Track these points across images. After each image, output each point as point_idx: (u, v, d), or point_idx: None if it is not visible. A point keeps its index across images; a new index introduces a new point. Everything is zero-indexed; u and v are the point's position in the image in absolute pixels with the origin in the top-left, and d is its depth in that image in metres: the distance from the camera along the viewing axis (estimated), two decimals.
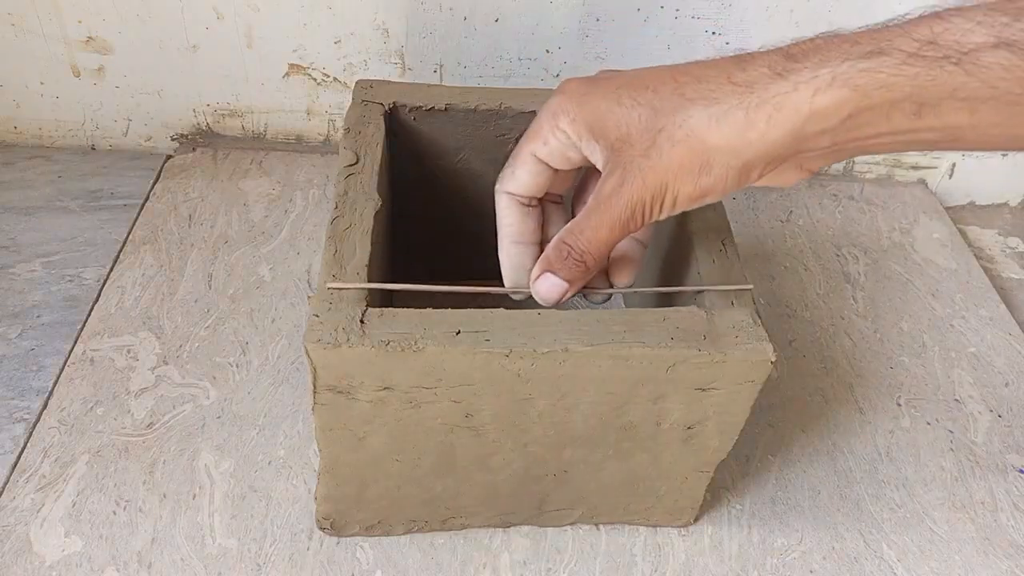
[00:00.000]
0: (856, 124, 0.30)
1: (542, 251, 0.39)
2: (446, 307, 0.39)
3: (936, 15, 0.29)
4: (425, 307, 0.39)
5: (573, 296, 0.38)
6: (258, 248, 0.68)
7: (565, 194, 0.43)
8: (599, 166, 0.36)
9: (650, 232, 0.42)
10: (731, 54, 0.33)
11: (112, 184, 0.73)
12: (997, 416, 0.60)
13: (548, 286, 0.37)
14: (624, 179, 0.33)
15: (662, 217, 0.35)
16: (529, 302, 0.41)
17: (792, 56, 0.31)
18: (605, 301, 0.43)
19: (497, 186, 0.40)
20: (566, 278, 0.37)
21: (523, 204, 0.39)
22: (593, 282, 0.40)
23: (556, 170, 0.38)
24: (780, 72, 0.31)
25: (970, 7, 0.29)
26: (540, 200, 0.41)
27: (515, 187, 0.39)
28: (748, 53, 0.32)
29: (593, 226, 0.35)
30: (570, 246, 0.36)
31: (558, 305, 0.39)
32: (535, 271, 0.38)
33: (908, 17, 0.30)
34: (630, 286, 0.42)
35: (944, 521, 0.53)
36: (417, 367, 0.38)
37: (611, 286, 0.42)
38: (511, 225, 0.40)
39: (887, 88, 0.29)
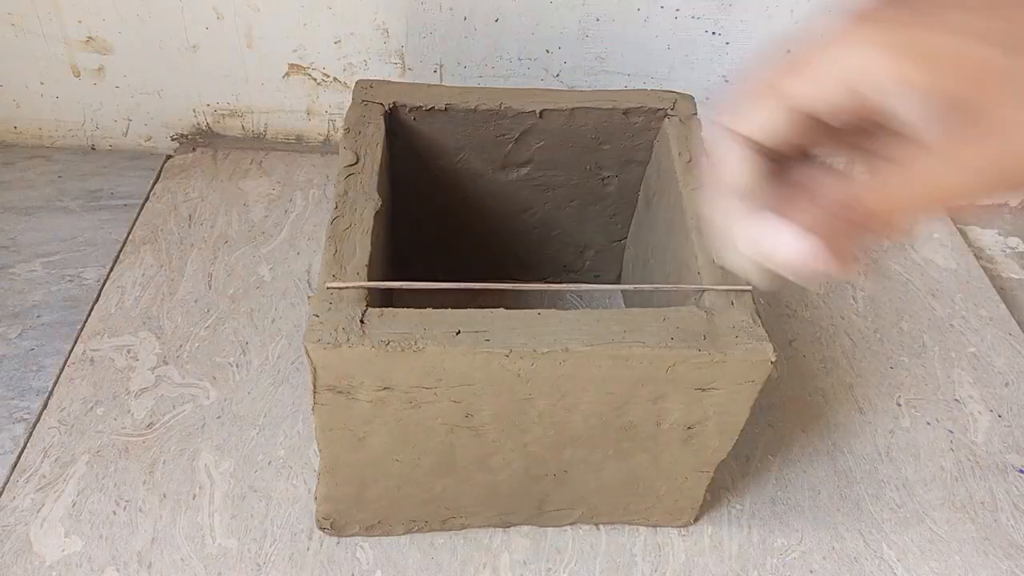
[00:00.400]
0: None
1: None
2: (446, 307, 0.39)
3: None
4: (425, 307, 0.39)
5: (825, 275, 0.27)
6: (258, 248, 0.68)
7: (817, 150, 0.30)
8: (916, 121, 0.25)
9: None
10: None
11: (112, 184, 0.73)
12: (997, 416, 0.60)
13: (798, 245, 0.26)
14: (980, 137, 0.23)
15: (1010, 201, 0.26)
16: (531, 301, 0.41)
17: None
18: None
19: (722, 120, 0.28)
20: (836, 254, 0.26)
21: (757, 152, 0.28)
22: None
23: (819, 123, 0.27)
24: None
25: None
26: (782, 154, 0.29)
27: (757, 129, 0.27)
28: None
29: (908, 195, 0.25)
30: (861, 209, 0.26)
31: (813, 284, 0.29)
32: (788, 226, 0.27)
33: None
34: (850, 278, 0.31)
35: (944, 521, 0.53)
36: (417, 367, 0.38)
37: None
38: (739, 174, 0.28)
39: None
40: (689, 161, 0.50)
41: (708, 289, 0.42)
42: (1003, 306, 0.70)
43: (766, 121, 0.27)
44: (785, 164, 0.29)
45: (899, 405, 0.60)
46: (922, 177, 0.24)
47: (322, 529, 0.49)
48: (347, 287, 0.39)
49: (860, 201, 0.26)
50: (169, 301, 0.62)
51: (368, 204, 0.44)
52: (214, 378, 0.57)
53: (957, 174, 0.24)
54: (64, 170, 0.74)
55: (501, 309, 0.39)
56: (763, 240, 0.27)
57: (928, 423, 0.59)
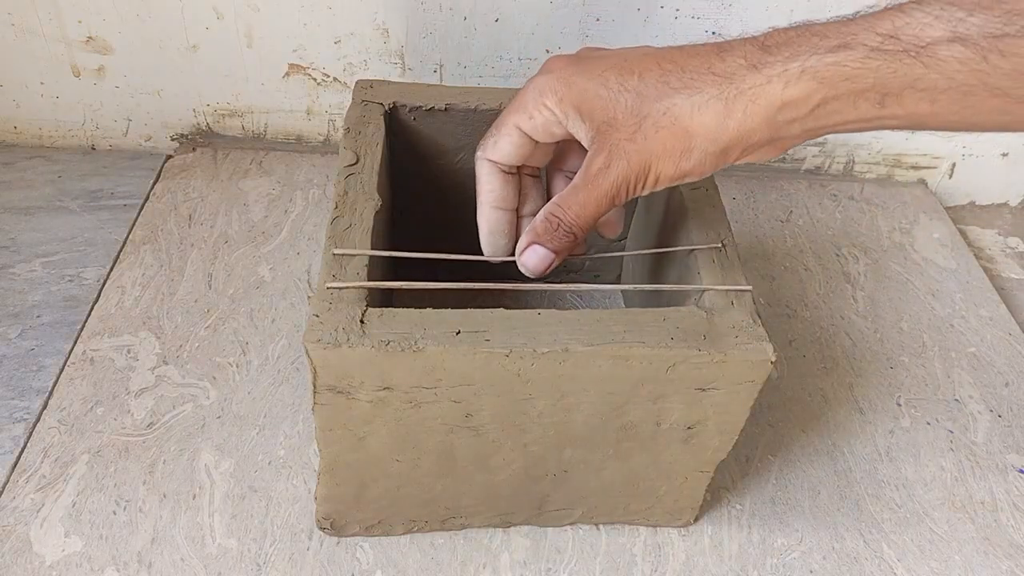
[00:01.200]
0: (825, 112, 0.33)
1: (517, 218, 0.43)
2: (446, 307, 0.39)
3: (899, 8, 0.32)
4: (425, 307, 0.39)
5: (555, 265, 0.40)
6: (258, 248, 0.68)
7: (542, 167, 0.44)
8: (584, 143, 0.38)
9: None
10: (712, 41, 0.36)
11: (112, 184, 0.73)
12: (997, 416, 0.60)
13: (537, 258, 0.40)
14: (611, 160, 0.36)
15: (644, 193, 0.37)
16: (531, 300, 0.41)
17: (767, 48, 0.33)
18: (585, 257, 0.45)
19: (478, 152, 0.41)
20: (554, 249, 0.39)
21: (503, 171, 0.41)
22: (576, 248, 0.43)
23: (537, 143, 0.40)
24: (755, 64, 0.33)
25: (929, 0, 0.31)
26: (519, 169, 0.42)
27: (497, 156, 0.40)
28: (728, 41, 0.35)
29: (581, 202, 0.37)
30: (559, 219, 0.38)
31: (542, 275, 0.41)
32: (522, 242, 0.40)
33: (873, 9, 0.32)
34: (621, 238, 0.45)
35: (944, 521, 0.53)
36: (417, 367, 0.38)
37: (587, 249, 0.45)
38: (492, 191, 0.41)
39: (851, 80, 0.31)
40: None
41: (708, 289, 0.42)
42: (1003, 306, 0.70)
43: (498, 152, 0.40)
44: (526, 180, 0.43)
45: (899, 405, 0.60)
46: (588, 188, 0.37)
47: (322, 529, 0.49)
48: (347, 287, 0.39)
49: (558, 213, 0.38)
50: (169, 301, 0.62)
51: (368, 204, 0.44)
52: (214, 378, 0.57)
53: (606, 184, 0.36)
54: (64, 170, 0.74)
55: (501, 309, 0.39)
56: (519, 255, 0.41)
57: (928, 423, 0.59)
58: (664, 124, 0.34)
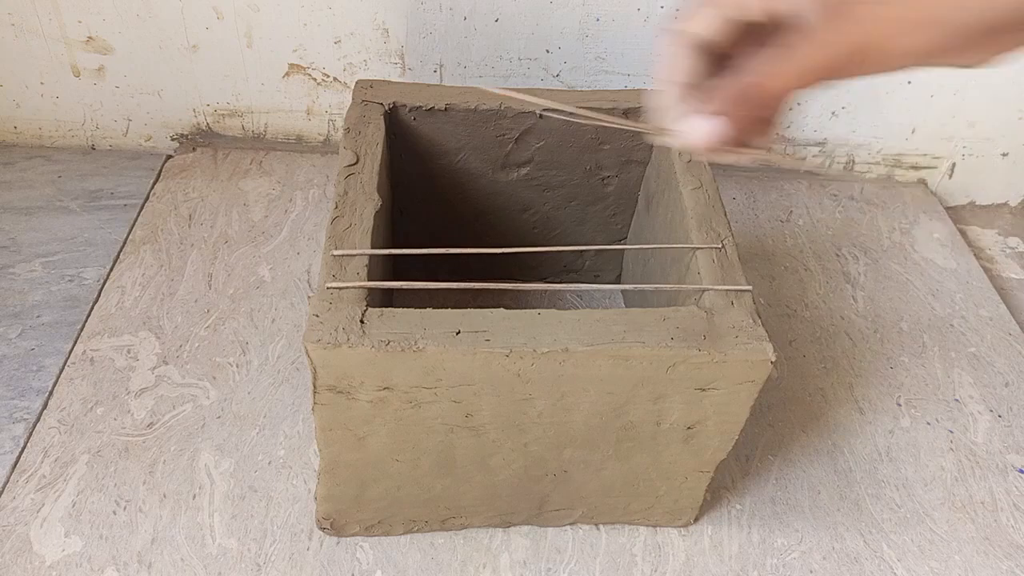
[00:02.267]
0: None
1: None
2: (446, 307, 0.39)
3: None
4: (425, 307, 0.39)
5: (721, 151, 0.34)
6: (258, 248, 0.68)
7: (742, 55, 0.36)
8: (805, 9, 0.31)
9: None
10: None
11: (112, 184, 0.73)
12: (997, 416, 0.60)
13: (710, 128, 0.33)
14: (834, 23, 0.30)
15: (858, 76, 0.31)
16: (531, 300, 0.41)
17: None
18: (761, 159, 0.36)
19: (672, 26, 0.34)
20: (736, 123, 0.32)
21: (698, 47, 0.34)
22: (752, 137, 0.35)
23: (746, 26, 0.33)
24: None
25: None
26: (717, 52, 0.35)
27: (703, 27, 0.34)
28: None
29: (781, 71, 0.31)
30: (752, 86, 0.31)
31: (698, 151, 0.34)
32: (695, 108, 0.33)
33: None
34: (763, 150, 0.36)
35: (944, 521, 0.53)
36: (417, 367, 0.38)
37: (770, 144, 0.36)
38: (680, 63, 0.34)
39: None
40: (689, 161, 0.50)
41: (708, 289, 0.42)
42: (1003, 306, 0.70)
43: (706, 25, 0.34)
44: (718, 67, 0.35)
45: (899, 405, 0.60)
46: (799, 56, 0.31)
47: (322, 529, 0.49)
48: (347, 287, 0.39)
49: (756, 82, 0.32)
50: (169, 301, 0.62)
51: (368, 204, 0.44)
52: (214, 378, 0.57)
53: (825, 52, 0.30)
54: (64, 170, 0.74)
55: (501, 309, 0.39)
56: (686, 123, 0.34)
57: (928, 423, 0.59)
58: None
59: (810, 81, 0.31)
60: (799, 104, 0.77)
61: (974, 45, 0.30)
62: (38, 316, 0.60)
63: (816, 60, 0.30)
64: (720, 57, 0.35)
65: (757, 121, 0.33)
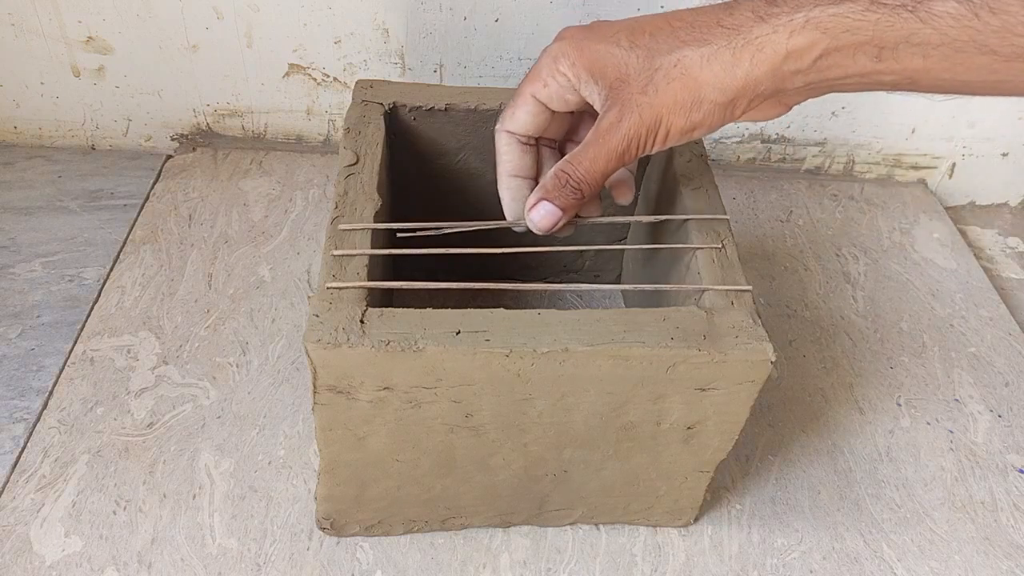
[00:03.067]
0: (826, 65, 0.34)
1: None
2: (446, 307, 0.39)
3: None
4: (425, 307, 0.39)
5: (565, 225, 0.41)
6: (258, 248, 0.68)
7: (558, 139, 0.45)
8: (597, 106, 0.38)
9: (635, 163, 0.45)
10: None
11: (112, 184, 0.73)
12: (997, 416, 0.60)
13: (544, 213, 0.40)
14: (622, 114, 0.36)
15: (654, 151, 0.37)
16: (531, 301, 0.42)
17: (773, 1, 0.35)
18: (594, 220, 0.45)
19: (497, 126, 0.42)
20: (561, 206, 0.39)
21: (521, 142, 0.42)
22: (585, 209, 0.43)
23: (553, 112, 0.41)
24: (762, 16, 0.34)
25: None
26: (536, 140, 0.43)
27: (514, 126, 0.41)
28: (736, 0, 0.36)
29: (591, 157, 0.37)
30: (568, 175, 0.38)
31: (550, 232, 0.41)
32: (531, 199, 0.40)
33: None
34: (629, 203, 0.46)
35: (944, 521, 0.53)
36: (417, 367, 0.38)
37: (601, 212, 0.45)
38: (510, 161, 0.42)
39: (851, 32, 0.33)
40: (689, 161, 0.50)
41: (708, 289, 0.42)
42: (1003, 306, 0.70)
43: (518, 123, 0.41)
44: (544, 151, 0.44)
45: (899, 405, 0.60)
46: (601, 142, 0.37)
47: (322, 529, 0.49)
48: (347, 287, 0.39)
49: (566, 171, 0.38)
50: (169, 301, 0.62)
51: (368, 204, 0.44)
52: (214, 378, 0.57)
53: (620, 137, 0.36)
54: (64, 170, 0.74)
55: (501, 309, 0.39)
56: (529, 213, 0.40)
57: (928, 423, 0.59)
58: (675, 75, 0.35)
59: (618, 161, 0.38)
60: (799, 104, 0.77)
61: (743, 112, 0.36)
62: (38, 316, 0.60)
63: (615, 144, 0.37)
64: (544, 154, 0.44)
65: (582, 202, 0.39)
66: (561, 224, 0.40)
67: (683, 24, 0.36)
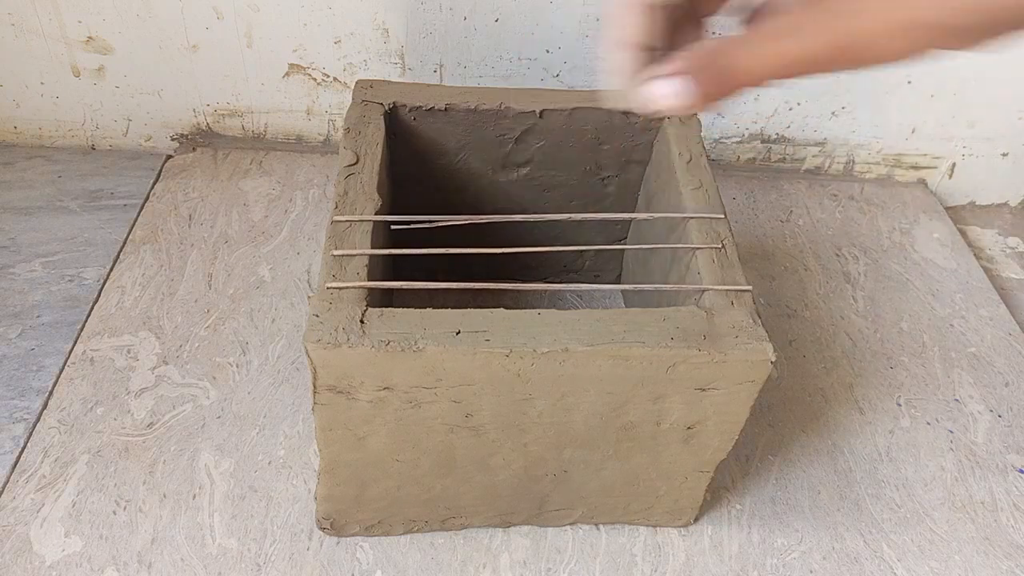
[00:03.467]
0: None
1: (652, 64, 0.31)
2: (446, 307, 0.39)
3: None
4: (425, 307, 0.39)
5: (685, 109, 0.30)
6: (258, 248, 0.68)
7: (708, 16, 0.34)
8: None
9: None
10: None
11: (112, 184, 0.73)
12: (997, 416, 0.60)
13: (676, 91, 0.29)
14: (826, 14, 0.27)
15: (835, 70, 0.28)
16: (531, 301, 0.41)
17: None
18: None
19: None
20: (704, 91, 0.29)
21: (650, 4, 0.31)
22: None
23: None
24: None
25: None
26: (673, 9, 0.32)
27: None
28: None
29: (767, 52, 0.28)
30: (730, 56, 0.28)
31: (660, 115, 0.33)
32: (667, 67, 0.30)
33: None
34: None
35: (944, 521, 0.53)
36: (417, 367, 0.38)
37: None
38: (630, 23, 0.31)
39: None
40: (689, 161, 0.50)
41: (708, 289, 0.42)
42: (1003, 306, 0.70)
43: None
44: (678, 31, 0.32)
45: (899, 405, 0.60)
46: (775, 40, 0.28)
47: (322, 529, 0.49)
48: (347, 287, 0.39)
49: (727, 51, 0.29)
50: (169, 301, 0.62)
51: (368, 204, 0.44)
52: (214, 378, 0.57)
53: (801, 41, 0.27)
54: (64, 170, 0.74)
55: (501, 309, 0.39)
56: (649, 85, 0.30)
57: (928, 423, 0.59)
58: None
59: (792, 72, 0.28)
60: (799, 104, 0.77)
61: (963, 42, 0.26)
62: (38, 316, 0.60)
63: (797, 52, 0.27)
64: (680, 22, 0.32)
65: (728, 96, 0.29)
66: (681, 110, 0.29)
67: None
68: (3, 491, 0.49)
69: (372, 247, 0.42)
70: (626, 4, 0.31)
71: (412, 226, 0.45)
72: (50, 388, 0.55)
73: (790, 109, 0.77)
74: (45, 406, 0.54)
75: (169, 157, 0.76)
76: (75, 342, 0.58)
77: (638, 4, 0.30)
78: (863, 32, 0.26)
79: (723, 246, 0.44)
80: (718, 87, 0.29)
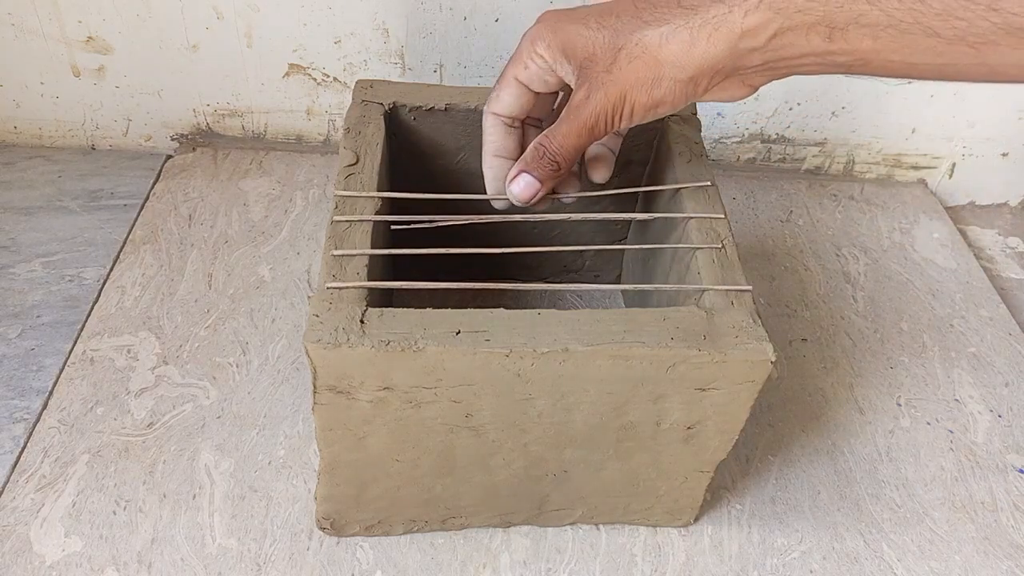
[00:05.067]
0: (781, 44, 0.35)
1: None
2: (446, 307, 0.39)
3: None
4: (425, 307, 0.39)
5: (544, 197, 0.43)
6: (258, 248, 0.68)
7: (544, 118, 0.47)
8: (570, 83, 0.41)
9: (617, 141, 0.47)
10: None
11: (112, 184, 0.73)
12: (997, 416, 0.60)
13: (523, 185, 0.42)
14: (590, 92, 0.38)
15: (622, 127, 0.40)
16: (531, 300, 0.41)
17: None
18: (572, 202, 0.47)
19: (485, 107, 0.44)
20: (539, 177, 0.42)
21: (506, 124, 0.44)
22: (563, 186, 0.46)
23: (536, 93, 0.43)
24: None
25: None
26: (522, 122, 0.45)
27: (499, 108, 0.43)
28: None
29: (564, 132, 0.40)
30: (545, 148, 0.41)
31: (529, 204, 0.43)
32: (512, 172, 0.42)
33: None
34: (606, 182, 0.47)
35: (944, 521, 0.53)
36: (417, 367, 0.38)
37: (581, 188, 0.47)
38: (494, 141, 0.44)
39: (803, 12, 0.34)
40: (689, 161, 0.50)
41: (708, 289, 0.42)
42: (1003, 306, 0.70)
43: (502, 104, 0.43)
44: (529, 131, 0.46)
45: (899, 405, 0.60)
46: (568, 121, 0.40)
47: (322, 529, 0.49)
48: (347, 287, 0.39)
49: (542, 144, 0.41)
50: (169, 301, 0.62)
51: (368, 204, 0.44)
52: (214, 378, 0.57)
53: (590, 112, 0.39)
54: (64, 170, 0.74)
55: (501, 309, 0.39)
56: (511, 186, 0.42)
57: (928, 423, 0.59)
58: (636, 54, 0.37)
59: (589, 136, 0.40)
60: (799, 104, 0.77)
61: (705, 91, 0.38)
62: (38, 316, 0.60)
63: (585, 119, 0.39)
64: (527, 133, 0.45)
65: (559, 174, 0.42)
66: (540, 196, 0.42)
67: (646, 5, 0.38)
68: (3, 491, 0.49)
69: (372, 247, 0.42)
70: (487, 124, 0.44)
71: (412, 226, 0.45)
72: (50, 388, 0.55)
73: (790, 109, 0.77)
74: (45, 406, 0.54)
75: (169, 157, 0.76)
76: (75, 342, 0.58)
77: (491, 121, 0.44)
78: (625, 93, 0.38)
79: (723, 246, 0.44)
80: (549, 170, 0.41)
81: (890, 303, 0.69)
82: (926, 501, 0.54)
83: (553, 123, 0.45)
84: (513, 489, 0.47)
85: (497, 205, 0.46)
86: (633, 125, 0.40)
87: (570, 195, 0.46)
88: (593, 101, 0.38)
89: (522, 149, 0.45)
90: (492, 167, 0.45)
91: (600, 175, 0.47)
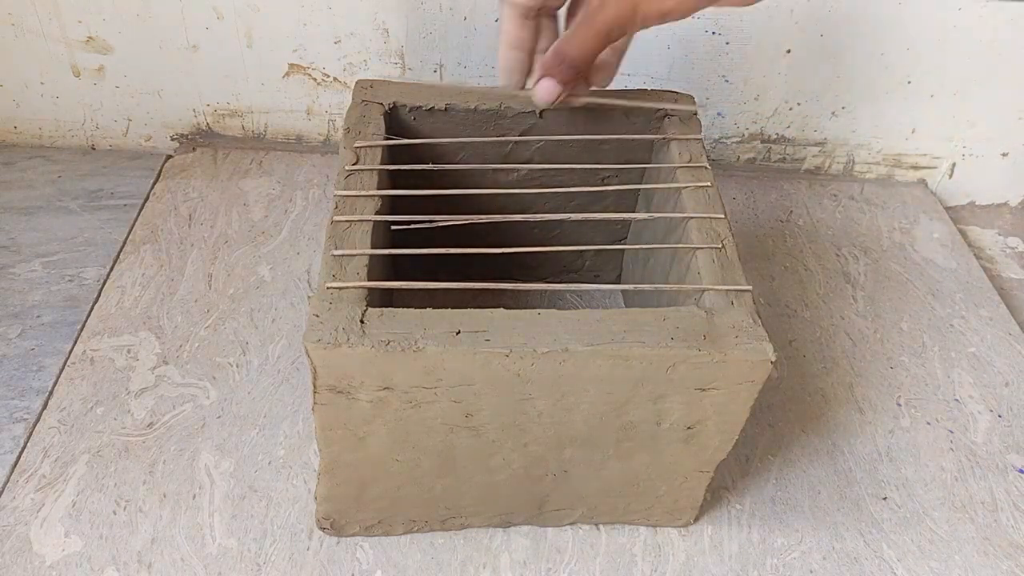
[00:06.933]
0: None
1: (530, 60, 0.47)
2: (446, 307, 0.39)
3: None
4: (425, 307, 0.39)
5: (562, 97, 0.45)
6: (258, 248, 0.68)
7: (558, 9, 0.48)
8: None
9: (627, 41, 0.48)
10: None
11: (112, 184, 0.73)
12: (997, 416, 0.60)
13: (546, 88, 0.44)
14: (605, 1, 0.41)
15: (634, 31, 0.42)
16: (531, 300, 0.41)
17: None
18: (585, 103, 0.49)
19: None
20: (561, 80, 0.44)
21: (522, 15, 0.45)
22: (577, 88, 0.47)
23: None
24: None
25: None
26: (537, 12, 0.46)
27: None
28: None
29: (581, 37, 0.42)
30: (564, 53, 0.43)
31: (551, 105, 0.45)
32: (534, 76, 0.45)
33: None
34: (607, 85, 0.49)
35: (944, 521, 0.53)
36: (417, 367, 0.38)
37: (588, 91, 0.49)
38: (509, 31, 0.45)
39: None
40: (689, 161, 0.50)
41: (708, 289, 0.42)
42: (1003, 306, 0.70)
43: None
44: (543, 22, 0.46)
45: (899, 405, 0.60)
46: (586, 24, 0.42)
47: (322, 529, 0.49)
48: (347, 287, 0.39)
49: (560, 49, 0.43)
50: (169, 301, 0.62)
51: (368, 204, 0.44)
52: (214, 378, 0.57)
53: (607, 15, 0.41)
54: (64, 170, 0.74)
55: (501, 309, 0.39)
56: (534, 85, 0.45)
57: (928, 423, 0.59)
58: None
59: (604, 41, 0.42)
60: (799, 104, 0.77)
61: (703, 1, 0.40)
62: (38, 316, 0.60)
63: (600, 26, 0.41)
64: (542, 24, 0.47)
65: (577, 78, 0.44)
66: (561, 98, 0.45)
67: None
68: (3, 491, 0.49)
69: (372, 247, 0.42)
70: (504, 15, 0.45)
71: (412, 226, 0.45)
72: (50, 388, 0.55)
73: (790, 109, 0.77)
74: (45, 406, 0.54)
75: (169, 157, 0.76)
76: (75, 342, 0.58)
77: (508, 12, 0.45)
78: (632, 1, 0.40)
79: (723, 246, 0.44)
80: (568, 74, 0.44)
81: (890, 303, 0.69)
82: (926, 501, 0.54)
83: (569, 23, 0.47)
84: (513, 489, 0.47)
85: (510, 91, 0.47)
86: (646, 28, 0.42)
87: (580, 98, 0.48)
88: (608, 8, 0.40)
89: (535, 40, 0.47)
90: (506, 58, 0.46)
91: (607, 73, 0.48)
